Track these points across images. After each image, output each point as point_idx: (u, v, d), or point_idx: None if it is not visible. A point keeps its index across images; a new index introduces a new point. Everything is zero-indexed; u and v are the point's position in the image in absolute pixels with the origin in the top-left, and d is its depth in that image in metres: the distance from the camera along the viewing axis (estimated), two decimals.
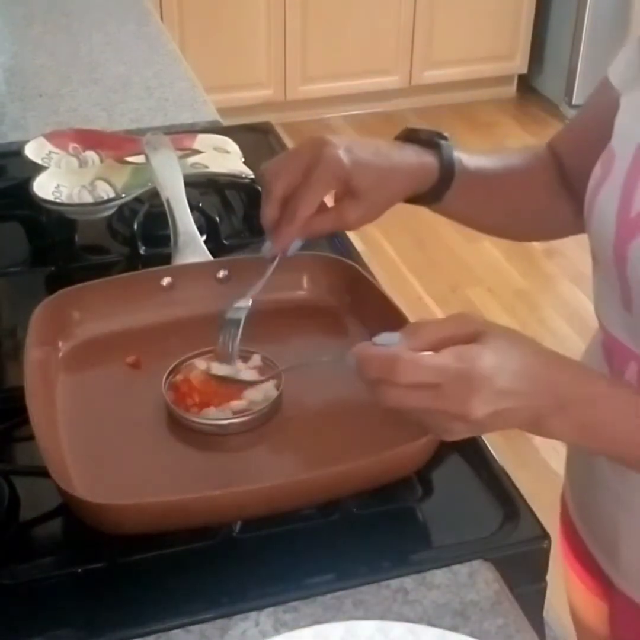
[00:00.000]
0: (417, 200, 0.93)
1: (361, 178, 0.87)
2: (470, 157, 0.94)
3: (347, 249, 1.19)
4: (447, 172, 0.91)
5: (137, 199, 1.20)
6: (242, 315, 0.91)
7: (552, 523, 0.85)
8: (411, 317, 0.96)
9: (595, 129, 0.89)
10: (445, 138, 0.93)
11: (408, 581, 0.78)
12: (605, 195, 0.81)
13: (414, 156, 0.91)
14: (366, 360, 0.70)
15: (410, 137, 0.93)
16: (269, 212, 0.89)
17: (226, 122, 1.52)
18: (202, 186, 1.25)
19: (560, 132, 1.01)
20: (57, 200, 1.19)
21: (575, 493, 0.98)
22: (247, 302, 0.92)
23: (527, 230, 1.06)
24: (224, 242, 1.19)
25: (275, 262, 0.92)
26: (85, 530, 0.78)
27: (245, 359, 0.93)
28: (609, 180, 0.81)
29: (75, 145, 1.30)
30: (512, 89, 4.08)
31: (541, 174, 0.98)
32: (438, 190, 0.92)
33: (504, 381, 0.67)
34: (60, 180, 1.21)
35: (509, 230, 1.05)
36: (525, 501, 0.85)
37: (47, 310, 0.95)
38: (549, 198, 0.98)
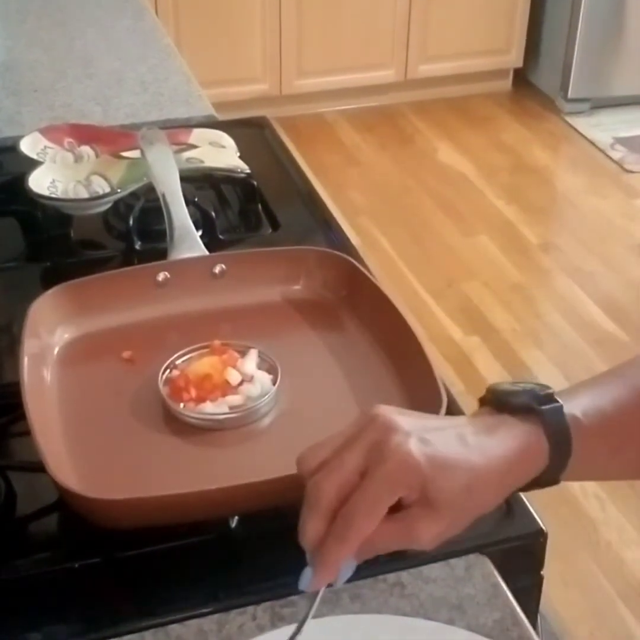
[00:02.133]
0: (526, 489, 0.70)
1: (443, 485, 0.63)
2: (587, 403, 0.69)
3: (343, 244, 1.19)
4: (560, 447, 0.67)
5: (133, 194, 1.20)
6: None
7: (548, 517, 0.85)
8: (407, 311, 0.96)
9: None
10: (549, 392, 0.68)
11: (405, 575, 0.78)
12: None
13: (510, 439, 0.66)
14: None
15: (498, 400, 0.68)
16: (312, 527, 0.64)
17: (222, 117, 1.52)
18: (197, 181, 1.25)
19: None
20: (53, 196, 1.19)
21: None
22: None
23: None
24: (220, 237, 1.19)
25: (318, 597, 0.66)
26: (81, 525, 0.78)
27: (242, 354, 0.93)
28: None
29: (71, 140, 1.30)
30: (507, 83, 4.07)
31: None
32: (551, 473, 0.68)
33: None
34: (56, 175, 1.21)
35: None
36: (521, 495, 0.85)
37: (42, 306, 0.95)
38: None
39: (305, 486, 0.65)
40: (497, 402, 0.68)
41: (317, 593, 0.66)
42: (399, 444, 0.63)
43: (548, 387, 0.68)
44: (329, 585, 0.66)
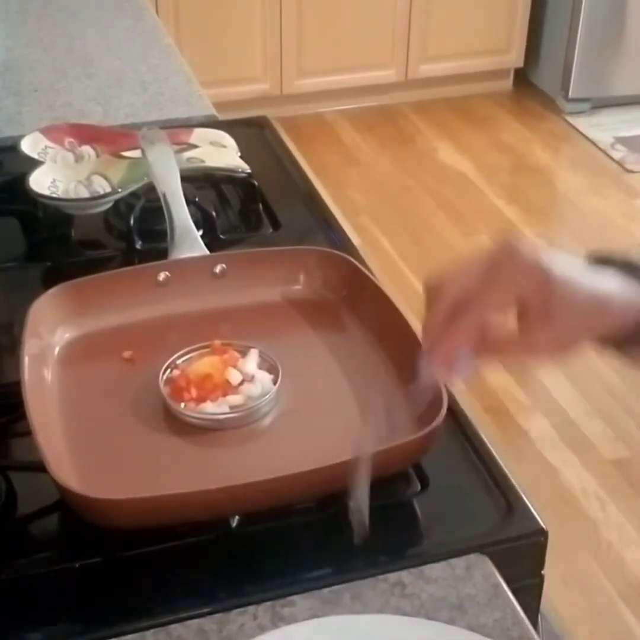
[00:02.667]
0: (611, 342, 0.73)
1: (565, 296, 0.67)
2: None
3: (344, 244, 1.19)
4: None
5: (134, 194, 1.20)
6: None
7: (548, 516, 0.85)
8: (407, 311, 0.96)
9: None
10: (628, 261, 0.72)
11: (405, 575, 0.78)
12: None
13: (620, 284, 0.70)
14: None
15: (601, 259, 0.72)
16: (432, 318, 0.69)
17: (222, 117, 1.52)
18: (198, 181, 1.25)
19: None
20: (53, 195, 1.19)
21: None
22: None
23: None
24: (221, 236, 1.19)
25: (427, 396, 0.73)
26: (82, 525, 0.78)
27: (242, 353, 0.93)
28: None
29: (71, 140, 1.30)
30: (508, 83, 4.07)
31: None
32: None
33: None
34: (56, 175, 1.21)
35: None
36: (522, 495, 0.85)
37: (43, 306, 0.95)
38: None
39: (425, 297, 0.70)
40: (599, 260, 0.71)
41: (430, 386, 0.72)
42: (531, 252, 0.67)
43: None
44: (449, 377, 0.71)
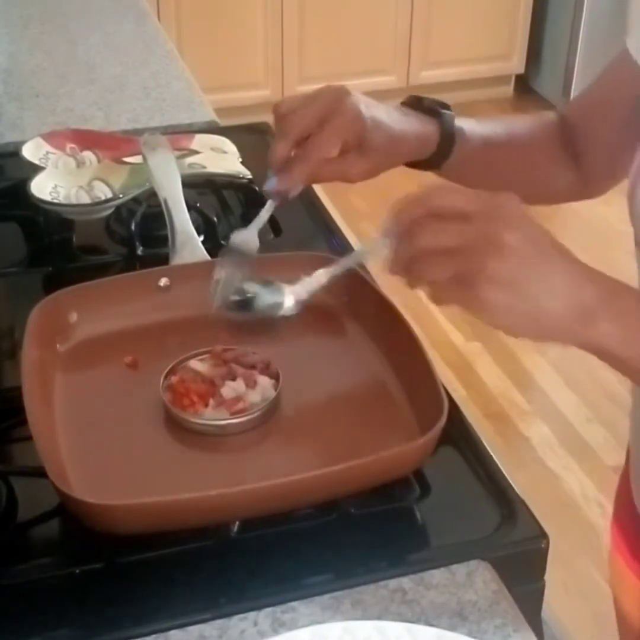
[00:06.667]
0: (417, 166, 0.97)
1: (375, 135, 0.89)
2: (474, 125, 0.97)
3: (345, 249, 1.19)
4: (447, 142, 0.94)
5: (135, 200, 1.20)
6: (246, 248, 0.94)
7: (549, 522, 0.85)
8: (409, 317, 0.96)
9: (614, 100, 0.93)
10: (447, 107, 0.96)
11: (406, 581, 0.78)
12: None
13: (417, 123, 0.93)
14: (402, 206, 0.74)
15: (413, 104, 0.96)
16: (281, 148, 0.89)
17: (223, 123, 1.52)
18: (199, 186, 1.25)
19: (573, 100, 1.04)
20: (55, 201, 1.19)
21: None
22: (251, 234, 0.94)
23: (524, 195, 1.05)
24: (222, 242, 1.19)
25: (273, 204, 0.93)
26: (83, 530, 0.78)
27: (246, 366, 0.93)
28: None
29: (73, 145, 1.30)
30: (509, 89, 4.07)
31: (543, 140, 1.00)
32: (437, 158, 0.95)
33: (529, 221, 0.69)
34: (58, 181, 1.21)
35: None
36: (522, 501, 0.85)
37: (44, 311, 0.95)
38: (548, 164, 1.01)
39: (274, 123, 0.92)
40: (411, 104, 0.96)
41: (275, 197, 0.92)
42: (353, 103, 0.88)
43: (448, 106, 0.96)
44: (285, 195, 0.91)
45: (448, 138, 0.94)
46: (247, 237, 0.93)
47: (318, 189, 1.36)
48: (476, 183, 0.98)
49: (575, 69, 3.74)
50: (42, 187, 1.19)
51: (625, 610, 1.05)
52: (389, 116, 0.91)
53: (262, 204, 1.26)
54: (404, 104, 0.97)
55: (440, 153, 0.95)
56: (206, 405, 0.89)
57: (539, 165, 1.01)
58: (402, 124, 0.92)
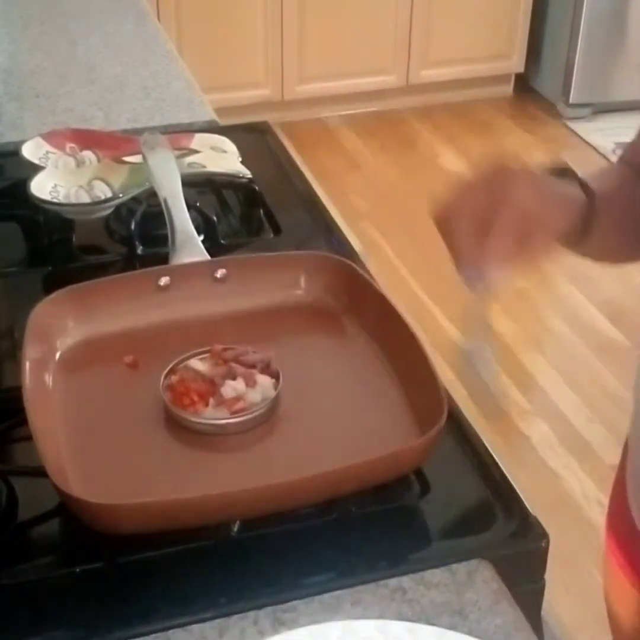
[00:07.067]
0: (570, 238, 0.89)
1: (553, 203, 0.84)
2: (598, 185, 0.90)
3: (345, 249, 1.19)
4: (591, 200, 0.87)
5: (135, 199, 1.20)
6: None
7: (549, 522, 0.85)
8: (409, 317, 0.96)
9: None
10: (573, 171, 0.89)
11: (406, 580, 0.78)
12: None
13: (569, 190, 0.87)
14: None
15: (552, 171, 0.89)
16: (463, 244, 0.82)
17: (223, 122, 1.52)
18: (199, 186, 1.25)
19: (632, 144, 0.98)
20: (55, 200, 1.19)
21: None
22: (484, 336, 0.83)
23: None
24: (222, 241, 1.19)
25: (489, 293, 0.82)
26: (83, 530, 0.78)
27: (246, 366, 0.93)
28: None
29: (73, 145, 1.30)
30: (509, 88, 4.07)
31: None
32: (586, 222, 0.87)
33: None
34: (58, 180, 1.21)
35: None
36: (523, 500, 0.85)
37: (44, 310, 0.95)
38: None
39: (441, 232, 0.83)
40: (552, 172, 0.88)
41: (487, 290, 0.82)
42: (518, 172, 0.83)
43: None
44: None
45: (591, 197, 0.86)
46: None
47: (318, 188, 1.36)
48: (618, 248, 0.97)
49: (575, 67, 3.74)
50: (42, 187, 1.19)
51: (617, 612, 1.05)
52: (552, 182, 0.86)
53: (262, 204, 1.27)
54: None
55: (589, 214, 0.86)
56: (206, 404, 0.89)
57: None
58: (565, 193, 0.86)
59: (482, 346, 0.82)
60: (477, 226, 0.80)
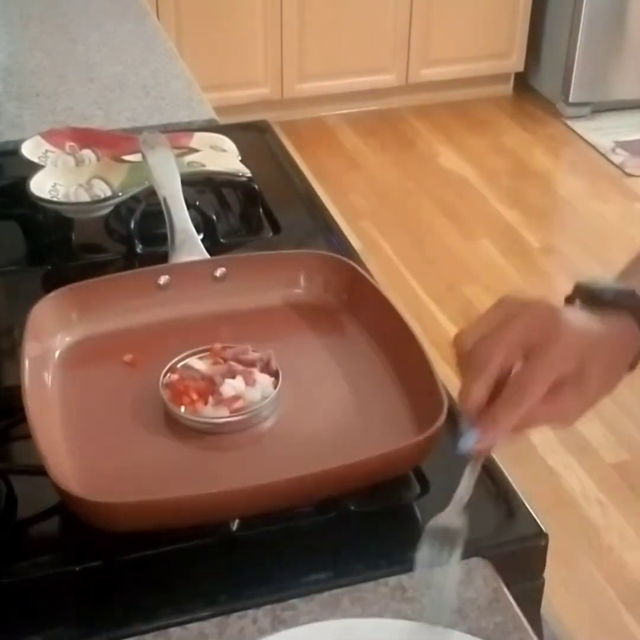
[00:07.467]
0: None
1: (595, 368, 0.71)
2: None
3: (344, 247, 1.19)
4: None
5: (134, 198, 1.20)
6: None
7: (549, 520, 0.85)
8: (408, 315, 0.96)
9: None
10: (629, 289, 0.76)
11: (406, 579, 0.78)
12: None
13: (617, 328, 0.74)
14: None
15: (590, 297, 0.76)
16: (478, 391, 0.69)
17: (223, 121, 1.52)
18: (199, 185, 1.25)
19: None
20: (54, 199, 1.19)
21: None
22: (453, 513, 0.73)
23: None
24: (221, 240, 1.19)
25: (479, 463, 0.73)
26: (82, 528, 0.78)
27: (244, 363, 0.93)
28: None
29: (72, 143, 1.30)
30: (508, 87, 4.07)
31: None
32: None
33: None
34: (57, 179, 1.21)
35: None
36: (522, 499, 0.85)
37: (44, 309, 0.95)
38: None
39: (462, 362, 0.71)
40: (589, 299, 0.76)
41: (480, 456, 0.71)
42: (567, 328, 0.69)
43: (625, 283, 0.77)
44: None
45: None
46: (448, 520, 0.73)
47: (318, 187, 1.36)
48: None
49: (575, 67, 3.74)
50: (41, 186, 1.19)
51: None
52: (601, 337, 0.72)
53: (261, 203, 1.27)
54: (569, 300, 0.77)
55: None
56: (206, 403, 0.89)
57: None
58: (611, 339, 0.73)
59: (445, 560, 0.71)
60: (499, 379, 0.70)
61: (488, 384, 0.69)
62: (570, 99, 3.82)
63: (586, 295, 0.76)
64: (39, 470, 0.78)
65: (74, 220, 1.22)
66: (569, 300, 0.77)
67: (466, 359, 0.71)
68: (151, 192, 1.13)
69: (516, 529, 0.83)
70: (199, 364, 0.92)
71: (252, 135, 1.46)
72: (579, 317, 0.72)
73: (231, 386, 0.89)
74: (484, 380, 0.69)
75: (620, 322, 0.74)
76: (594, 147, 3.66)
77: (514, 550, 0.82)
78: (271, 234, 1.24)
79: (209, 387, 0.89)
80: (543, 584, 0.85)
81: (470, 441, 0.69)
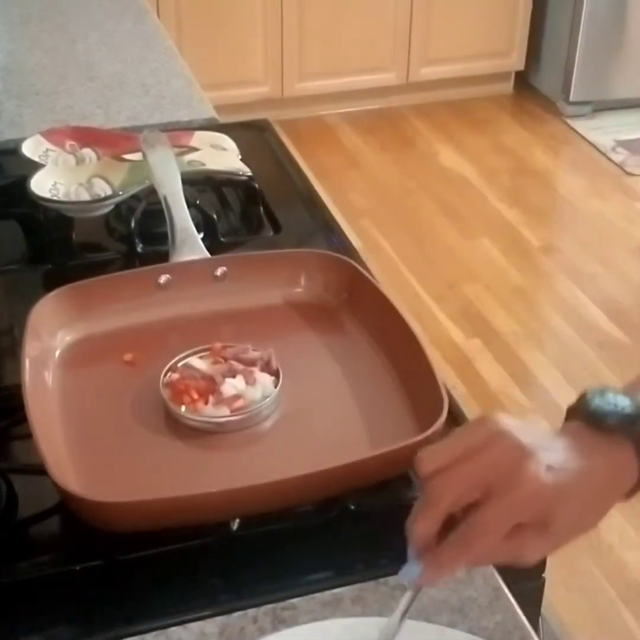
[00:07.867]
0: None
1: (563, 511, 0.65)
2: None
3: (344, 246, 1.19)
4: None
5: (134, 197, 1.20)
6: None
7: None
8: (409, 314, 0.96)
9: None
10: (637, 412, 0.69)
11: None
12: None
13: (608, 463, 0.68)
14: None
15: (591, 419, 0.69)
16: (425, 526, 0.65)
17: (223, 120, 1.52)
18: (199, 184, 1.25)
19: None
20: (54, 198, 1.19)
21: None
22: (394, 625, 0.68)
23: None
24: (222, 239, 1.19)
25: (415, 595, 0.68)
26: (83, 528, 0.78)
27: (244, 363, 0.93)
28: None
29: (72, 142, 1.30)
30: (509, 86, 4.07)
31: None
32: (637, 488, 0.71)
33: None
34: (57, 178, 1.21)
35: None
36: None
37: (44, 308, 0.95)
38: None
39: (422, 485, 0.66)
40: (589, 420, 0.68)
41: (416, 590, 0.67)
42: (533, 472, 0.63)
43: (635, 402, 0.69)
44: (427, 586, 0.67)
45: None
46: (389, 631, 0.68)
47: (318, 186, 1.36)
48: None
49: (575, 65, 3.74)
50: (41, 185, 1.19)
51: None
52: (580, 477, 0.66)
53: (262, 202, 1.27)
54: (571, 414, 0.70)
55: None
56: (206, 402, 0.89)
57: None
58: (591, 478, 0.67)
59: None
60: (452, 514, 0.65)
61: (436, 520, 0.64)
62: (571, 98, 3.81)
63: (588, 417, 0.69)
64: (39, 470, 0.78)
65: (75, 219, 1.22)
66: (572, 413, 0.70)
67: (423, 483, 0.66)
68: (151, 191, 1.13)
69: None
70: (199, 363, 0.92)
71: (252, 134, 1.46)
72: (554, 457, 0.65)
73: (232, 385, 0.89)
74: (432, 516, 0.64)
75: (618, 451, 0.67)
76: (594, 146, 3.66)
77: None
78: (271, 233, 1.24)
79: (210, 387, 0.89)
80: (543, 583, 0.85)
81: (412, 574, 0.66)
